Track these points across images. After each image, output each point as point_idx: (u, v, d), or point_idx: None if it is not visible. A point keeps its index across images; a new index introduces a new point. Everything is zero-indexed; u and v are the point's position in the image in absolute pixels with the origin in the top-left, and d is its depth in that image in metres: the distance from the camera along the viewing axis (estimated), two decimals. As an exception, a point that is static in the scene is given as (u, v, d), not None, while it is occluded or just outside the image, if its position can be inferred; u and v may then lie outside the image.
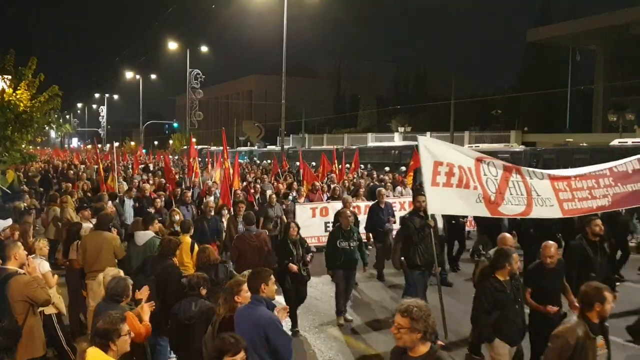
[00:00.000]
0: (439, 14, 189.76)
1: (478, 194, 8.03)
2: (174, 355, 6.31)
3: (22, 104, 13.11)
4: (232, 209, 12.00)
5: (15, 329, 5.41)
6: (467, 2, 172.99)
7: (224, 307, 4.99)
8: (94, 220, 9.18)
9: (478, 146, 35.35)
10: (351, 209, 11.85)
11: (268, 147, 58.27)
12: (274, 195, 13.79)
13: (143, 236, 8.01)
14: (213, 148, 58.09)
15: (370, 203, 13.63)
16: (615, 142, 26.33)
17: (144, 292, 5.64)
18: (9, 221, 7.76)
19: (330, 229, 13.22)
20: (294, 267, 8.38)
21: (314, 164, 32.93)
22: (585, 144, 30.46)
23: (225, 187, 13.10)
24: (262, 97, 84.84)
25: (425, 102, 54.00)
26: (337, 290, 9.16)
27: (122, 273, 5.82)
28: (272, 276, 4.94)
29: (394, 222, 12.52)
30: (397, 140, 51.83)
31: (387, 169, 25.66)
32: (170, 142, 65.25)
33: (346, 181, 18.83)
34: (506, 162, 8.69)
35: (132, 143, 77.48)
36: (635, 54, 47.07)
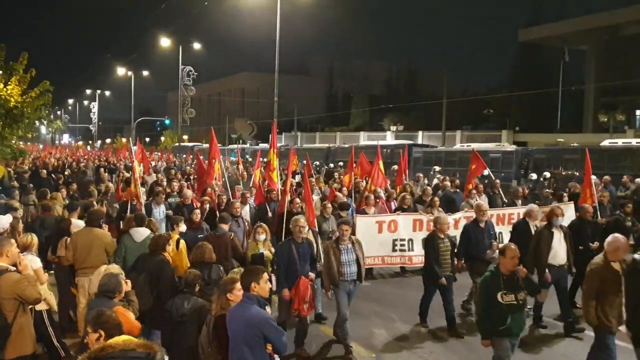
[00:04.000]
0: (431, 14, 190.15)
1: None
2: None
3: (12, 99, 13.09)
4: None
5: (5, 327, 5.38)
6: (459, 2, 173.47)
7: (217, 304, 4.99)
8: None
9: (470, 145, 35.51)
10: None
11: (260, 145, 58.22)
12: (329, 205, 10.87)
13: (142, 232, 7.96)
14: (206, 145, 57.98)
15: (450, 217, 10.79)
16: (606, 142, 26.50)
17: (128, 284, 5.65)
18: (9, 217, 7.68)
19: (401, 248, 11.21)
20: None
21: (304, 162, 32.92)
22: (576, 144, 30.64)
23: (308, 195, 10.24)
24: (254, 94, 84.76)
25: (417, 101, 54.13)
26: None
27: (123, 272, 5.80)
28: (265, 275, 4.93)
29: (497, 249, 9.63)
30: (389, 139, 51.94)
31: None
32: (162, 138, 65.04)
33: (407, 186, 14.76)
34: None
35: (124, 140, 77.14)
36: (626, 54, 47.43)
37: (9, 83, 13.17)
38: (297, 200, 10.74)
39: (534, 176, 22.18)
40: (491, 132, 49.74)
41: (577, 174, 22.36)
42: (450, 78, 46.95)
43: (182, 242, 7.87)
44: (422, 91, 68.21)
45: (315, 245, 8.16)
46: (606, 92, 48.27)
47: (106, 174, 21.91)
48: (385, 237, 11.14)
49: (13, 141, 14.95)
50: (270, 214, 11.43)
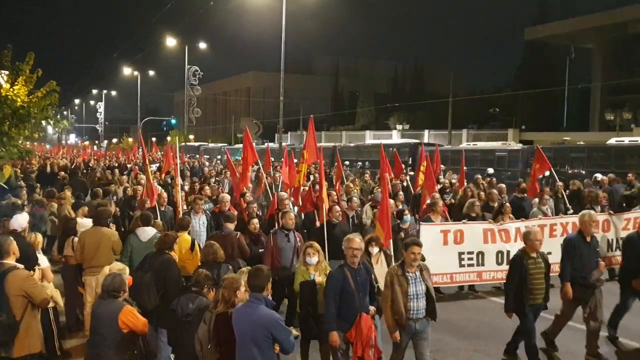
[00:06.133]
0: (437, 12, 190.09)
1: None
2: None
3: (19, 99, 13.16)
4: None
5: (13, 324, 5.43)
6: (466, 1, 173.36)
7: (221, 302, 4.97)
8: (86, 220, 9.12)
9: (476, 144, 35.45)
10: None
11: (266, 144, 58.27)
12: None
13: (148, 231, 8.00)
14: (212, 145, 58.08)
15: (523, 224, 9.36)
16: (612, 140, 26.39)
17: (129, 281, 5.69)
18: (25, 215, 7.72)
19: (469, 262, 9.82)
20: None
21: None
22: (582, 143, 30.55)
23: (386, 206, 8.09)
24: (260, 94, 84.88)
25: (423, 100, 54.07)
26: None
27: (127, 270, 5.83)
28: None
29: (604, 268, 7.95)
30: (395, 138, 51.89)
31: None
32: (168, 138, 65.21)
33: (468, 190, 12.69)
34: None
35: (130, 139, 77.36)
36: (633, 52, 47.24)
37: (16, 83, 13.25)
38: (337, 208, 9.11)
39: (539, 175, 22.08)
40: (497, 130, 49.70)
41: (584, 172, 22.37)
42: (456, 77, 46.89)
43: (197, 244, 7.98)
44: (428, 90, 68.04)
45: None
46: (613, 91, 48.07)
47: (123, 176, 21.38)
48: (451, 249, 9.70)
49: (20, 141, 15.01)
50: (318, 224, 9.45)
